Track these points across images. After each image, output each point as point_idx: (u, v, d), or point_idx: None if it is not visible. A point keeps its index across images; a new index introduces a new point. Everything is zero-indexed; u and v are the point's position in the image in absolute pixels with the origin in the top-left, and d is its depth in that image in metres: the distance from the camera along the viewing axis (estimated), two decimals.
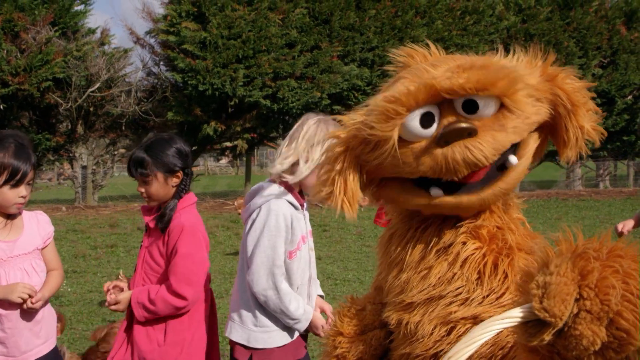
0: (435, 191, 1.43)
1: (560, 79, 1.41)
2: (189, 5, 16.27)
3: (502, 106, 1.36)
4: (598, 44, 18.66)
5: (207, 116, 16.65)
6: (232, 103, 16.39)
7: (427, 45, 1.56)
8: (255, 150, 23.83)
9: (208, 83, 15.81)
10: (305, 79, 16.62)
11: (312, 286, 2.85)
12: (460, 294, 1.42)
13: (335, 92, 16.51)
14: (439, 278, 1.44)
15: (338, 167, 1.48)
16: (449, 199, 1.42)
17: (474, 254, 1.43)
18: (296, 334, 2.73)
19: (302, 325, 2.68)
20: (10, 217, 2.66)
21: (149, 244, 2.81)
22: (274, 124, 17.78)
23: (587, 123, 1.40)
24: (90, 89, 16.04)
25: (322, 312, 2.90)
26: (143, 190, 2.75)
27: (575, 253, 1.07)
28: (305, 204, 2.82)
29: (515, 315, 1.08)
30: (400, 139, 1.40)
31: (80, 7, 17.17)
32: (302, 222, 2.75)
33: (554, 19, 18.38)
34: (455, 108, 1.38)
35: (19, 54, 15.20)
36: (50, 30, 15.65)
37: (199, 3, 16.15)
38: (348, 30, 16.73)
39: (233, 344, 2.72)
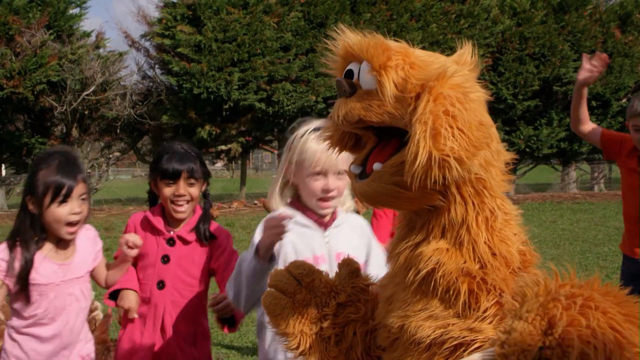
0: (353, 167, 1.48)
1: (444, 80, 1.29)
2: (184, 9, 16.27)
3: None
4: (593, 47, 18.71)
5: (202, 119, 16.64)
6: (227, 106, 16.38)
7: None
8: (251, 153, 23.81)
9: (203, 86, 15.81)
10: (300, 82, 16.64)
11: None
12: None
13: (330, 96, 16.52)
14: (430, 302, 1.42)
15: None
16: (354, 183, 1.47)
17: (455, 279, 1.39)
18: None
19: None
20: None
21: (179, 259, 2.72)
22: (269, 128, 17.79)
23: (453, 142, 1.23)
24: (85, 92, 16.00)
25: None
26: (185, 193, 2.69)
27: (548, 298, 1.06)
28: (328, 223, 2.39)
29: (476, 359, 1.11)
30: None
31: (76, 11, 17.14)
32: (313, 240, 2.34)
33: (548, 22, 18.43)
34: None
35: (13, 57, 15.16)
36: (45, 34, 15.61)
37: (194, 6, 16.15)
38: None
39: None
